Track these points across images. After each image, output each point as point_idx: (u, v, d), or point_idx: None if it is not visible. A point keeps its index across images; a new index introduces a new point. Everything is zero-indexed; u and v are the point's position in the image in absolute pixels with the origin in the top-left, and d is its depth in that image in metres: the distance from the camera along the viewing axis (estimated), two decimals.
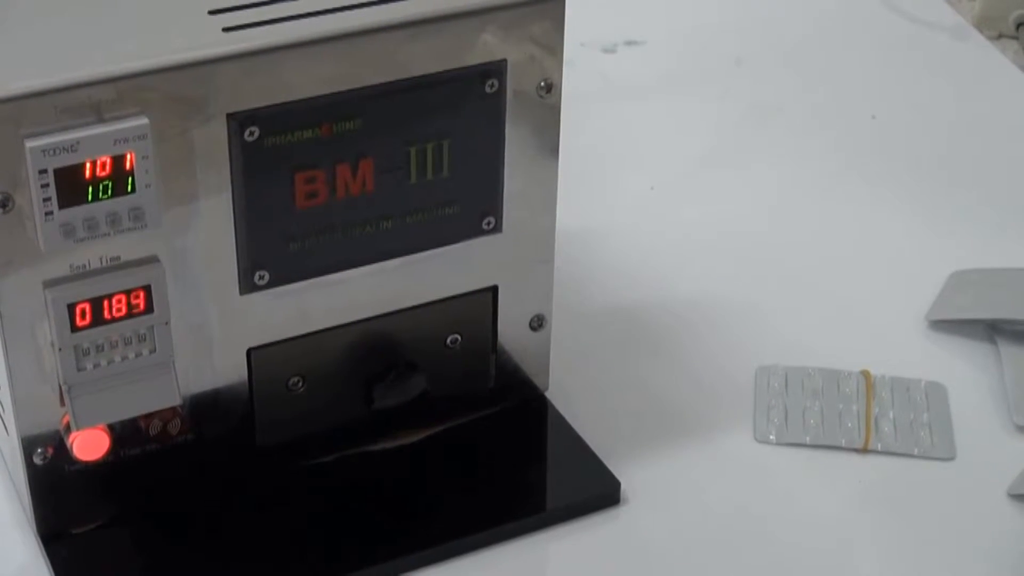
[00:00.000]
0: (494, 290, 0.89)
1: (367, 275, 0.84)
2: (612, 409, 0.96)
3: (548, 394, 0.95)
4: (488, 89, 0.81)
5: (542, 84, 0.83)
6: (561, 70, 0.83)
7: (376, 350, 0.87)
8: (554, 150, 0.86)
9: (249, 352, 0.83)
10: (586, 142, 1.21)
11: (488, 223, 0.86)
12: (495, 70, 0.81)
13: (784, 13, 1.44)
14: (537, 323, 0.91)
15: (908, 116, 1.29)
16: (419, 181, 0.82)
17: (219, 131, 0.76)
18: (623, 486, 0.89)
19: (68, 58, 0.73)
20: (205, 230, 0.78)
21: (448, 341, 0.89)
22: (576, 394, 0.96)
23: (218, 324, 0.81)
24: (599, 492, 0.89)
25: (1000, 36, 1.42)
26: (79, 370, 0.78)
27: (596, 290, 1.07)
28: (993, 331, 1.03)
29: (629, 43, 1.38)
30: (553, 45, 0.82)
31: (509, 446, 0.92)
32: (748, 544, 0.88)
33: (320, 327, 0.84)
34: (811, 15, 1.44)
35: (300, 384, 0.86)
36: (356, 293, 0.84)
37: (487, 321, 0.89)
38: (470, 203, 0.84)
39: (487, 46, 0.80)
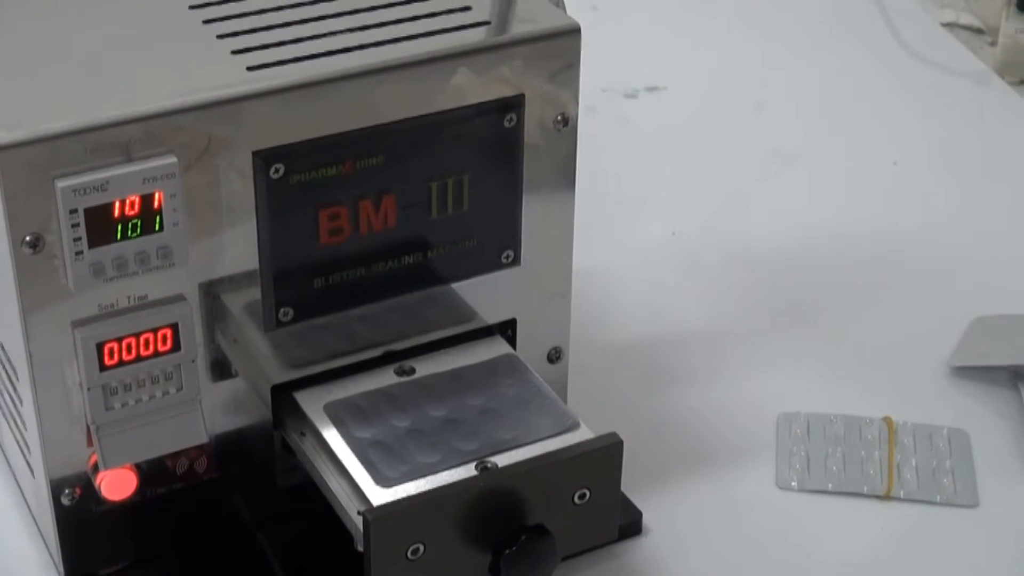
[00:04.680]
0: (513, 323, 0.89)
1: (389, 310, 0.84)
2: (630, 448, 0.95)
3: None
4: (507, 123, 0.82)
5: (559, 117, 0.84)
6: (577, 103, 0.84)
7: (501, 513, 0.79)
8: (571, 183, 0.86)
9: (367, 520, 0.75)
10: (607, 187, 1.21)
11: (507, 256, 0.86)
12: (513, 104, 0.82)
13: (804, 59, 1.44)
14: (555, 355, 0.92)
15: (930, 162, 1.28)
16: (440, 216, 0.83)
17: (245, 169, 0.77)
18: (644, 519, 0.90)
19: (97, 98, 0.74)
20: (230, 268, 0.79)
21: (576, 498, 0.81)
22: (595, 429, 0.96)
23: (243, 362, 0.82)
24: (621, 522, 0.89)
25: (1022, 82, 1.43)
26: (107, 409, 0.78)
27: (618, 332, 1.07)
28: (1016, 377, 1.02)
29: (650, 89, 1.38)
30: (569, 79, 0.83)
31: None
32: None
33: (344, 363, 0.84)
34: (831, 60, 1.43)
35: (421, 552, 0.77)
36: (379, 328, 0.85)
37: (615, 474, 0.82)
38: (489, 237, 0.85)
39: (505, 81, 0.81)
